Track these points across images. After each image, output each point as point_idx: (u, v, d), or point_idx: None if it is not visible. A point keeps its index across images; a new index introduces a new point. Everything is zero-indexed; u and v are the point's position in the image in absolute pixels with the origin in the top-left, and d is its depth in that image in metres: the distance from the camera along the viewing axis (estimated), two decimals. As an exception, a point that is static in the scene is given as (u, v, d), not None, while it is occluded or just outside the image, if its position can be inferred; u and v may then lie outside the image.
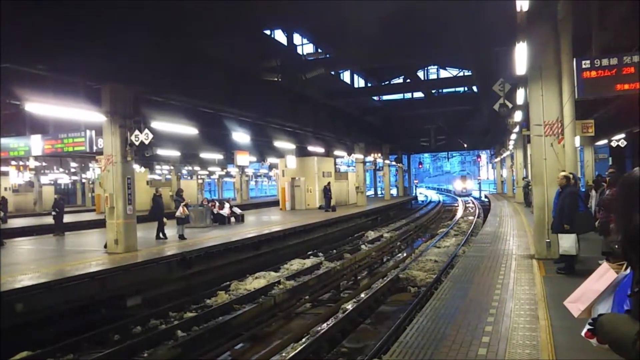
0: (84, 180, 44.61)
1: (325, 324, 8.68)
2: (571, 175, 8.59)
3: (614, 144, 23.04)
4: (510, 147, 30.48)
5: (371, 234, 22.20)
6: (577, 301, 1.87)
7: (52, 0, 9.32)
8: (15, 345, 7.69)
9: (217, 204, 20.89)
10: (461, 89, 30.67)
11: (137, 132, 12.22)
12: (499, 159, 42.20)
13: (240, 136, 20.35)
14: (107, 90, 12.17)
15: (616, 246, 1.76)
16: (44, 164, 34.76)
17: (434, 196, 64.39)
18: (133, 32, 11.03)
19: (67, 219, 19.59)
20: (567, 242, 8.15)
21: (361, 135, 30.40)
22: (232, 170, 47.37)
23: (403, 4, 13.00)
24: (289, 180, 29.08)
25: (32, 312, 8.50)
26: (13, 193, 35.85)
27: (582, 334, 1.78)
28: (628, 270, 1.69)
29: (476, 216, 29.30)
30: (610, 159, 25.91)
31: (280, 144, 23.98)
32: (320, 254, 17.14)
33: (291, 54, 19.41)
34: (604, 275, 1.82)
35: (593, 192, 11.66)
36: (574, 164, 9.88)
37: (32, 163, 26.93)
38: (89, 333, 8.53)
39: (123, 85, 12.23)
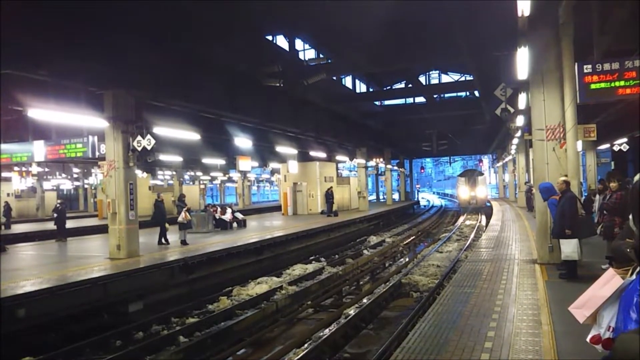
0: (86, 186, 44.69)
1: (327, 330, 8.67)
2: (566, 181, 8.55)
3: (616, 148, 23.02)
4: (512, 151, 30.46)
5: (373, 239, 22.18)
6: (583, 307, 1.86)
7: (53, 5, 9.35)
8: (18, 351, 7.68)
9: (219, 209, 20.89)
10: (463, 94, 30.67)
11: (139, 137, 12.24)
12: (501, 163, 42.12)
13: (242, 141, 20.38)
14: (109, 95, 12.19)
15: (628, 249, 1.74)
16: (46, 169, 34.89)
17: (436, 201, 63.85)
18: (135, 38, 11.06)
19: (69, 224, 19.60)
20: (568, 247, 8.12)
21: (363, 140, 30.40)
22: (234, 175, 47.45)
23: (404, 8, 13.01)
24: (291, 185, 29.09)
25: (34, 317, 8.49)
26: (16, 199, 35.90)
27: (588, 339, 1.77)
28: (634, 276, 1.68)
29: (478, 221, 29.23)
30: (612, 163, 25.88)
31: (282, 149, 23.99)
32: (323, 259, 17.12)
33: (293, 60, 19.41)
34: (610, 281, 1.81)
35: (597, 197, 11.62)
36: (576, 169, 9.83)
37: (34, 169, 27.05)
38: (91, 338, 8.52)
39: (125, 91, 12.26)
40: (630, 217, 2.94)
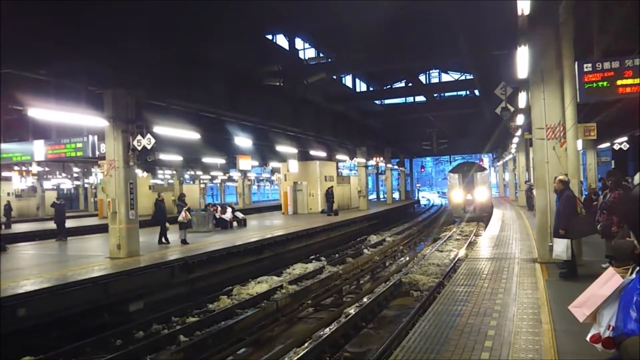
0: (86, 185, 44.69)
1: (327, 329, 8.67)
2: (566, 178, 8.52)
3: (616, 147, 23.00)
4: (513, 150, 30.43)
5: (373, 238, 22.17)
6: (583, 306, 1.86)
7: (53, 5, 9.34)
8: (18, 351, 7.68)
9: (220, 208, 20.89)
10: (463, 93, 30.66)
11: (139, 136, 12.23)
12: (501, 162, 42.08)
13: (242, 140, 20.38)
14: (109, 95, 12.19)
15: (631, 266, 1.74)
16: (46, 169, 34.89)
17: (437, 200, 63.80)
18: (135, 37, 11.06)
19: (69, 224, 19.60)
20: (559, 247, 8.11)
21: (363, 139, 30.40)
22: (235, 174, 47.42)
23: (405, 8, 13.02)
24: (291, 184, 29.09)
25: (35, 317, 8.49)
26: (16, 198, 35.90)
27: (588, 338, 1.78)
28: (634, 275, 1.68)
29: (479, 220, 29.18)
30: (612, 162, 25.87)
31: (282, 148, 23.99)
32: (323, 258, 17.12)
33: (293, 59, 19.41)
34: (610, 280, 1.81)
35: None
36: (576, 168, 9.84)
37: (34, 168, 27.05)
38: (91, 338, 8.52)
39: (125, 90, 12.26)
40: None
